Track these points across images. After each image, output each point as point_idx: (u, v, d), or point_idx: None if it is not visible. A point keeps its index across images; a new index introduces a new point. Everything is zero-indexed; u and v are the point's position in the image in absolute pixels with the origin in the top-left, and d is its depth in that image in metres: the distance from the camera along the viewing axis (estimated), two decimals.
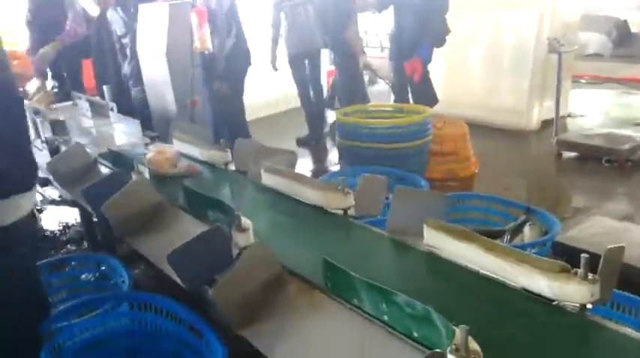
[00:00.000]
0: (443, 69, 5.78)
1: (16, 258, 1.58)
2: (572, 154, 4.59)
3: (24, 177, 1.58)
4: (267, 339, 1.35)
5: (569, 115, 5.78)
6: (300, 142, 5.38)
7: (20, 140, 1.57)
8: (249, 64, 4.26)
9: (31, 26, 4.23)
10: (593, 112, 6.01)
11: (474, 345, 1.07)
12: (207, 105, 3.50)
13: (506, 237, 2.68)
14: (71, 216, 3.84)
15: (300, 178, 1.98)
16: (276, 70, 5.25)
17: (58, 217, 3.94)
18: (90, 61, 4.38)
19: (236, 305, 1.41)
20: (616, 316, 1.68)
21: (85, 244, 3.48)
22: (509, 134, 5.26)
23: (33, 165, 1.64)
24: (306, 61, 5.10)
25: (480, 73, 5.78)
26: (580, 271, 1.25)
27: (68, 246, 3.60)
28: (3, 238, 1.53)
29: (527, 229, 2.64)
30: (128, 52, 3.77)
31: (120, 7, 3.74)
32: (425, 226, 1.57)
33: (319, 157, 5.19)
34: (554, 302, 1.30)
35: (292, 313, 1.41)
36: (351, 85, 4.96)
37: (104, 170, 2.61)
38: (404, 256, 1.63)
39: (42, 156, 2.95)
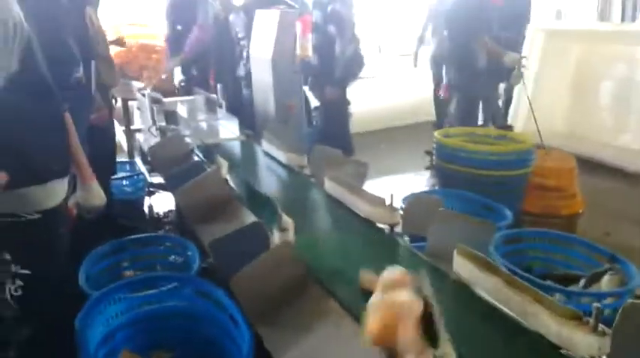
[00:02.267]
0: (569, 101, 5.51)
1: (55, 238, 1.70)
2: None
3: (61, 164, 1.70)
4: (276, 340, 1.40)
5: None
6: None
7: (59, 128, 1.68)
8: (361, 71, 4.40)
9: (168, 21, 4.64)
10: None
11: None
12: (303, 110, 3.64)
13: (582, 282, 2.52)
14: None
15: (355, 190, 2.02)
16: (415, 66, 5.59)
17: (165, 201, 4.27)
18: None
19: (253, 298, 1.49)
20: None
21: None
22: (629, 177, 4.86)
23: (68, 152, 1.77)
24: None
25: (607, 108, 5.41)
26: (591, 321, 1.18)
27: (167, 228, 3.91)
28: (45, 221, 1.62)
29: (606, 278, 2.46)
30: (245, 54, 4.03)
31: (243, 11, 4.01)
32: (455, 253, 1.55)
33: None
34: (562, 351, 1.23)
35: (304, 318, 1.45)
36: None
37: (196, 160, 2.82)
38: (429, 278, 1.61)
39: (155, 142, 3.26)
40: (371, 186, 4.62)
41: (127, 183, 4.12)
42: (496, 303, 1.41)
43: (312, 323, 1.42)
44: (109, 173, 3.53)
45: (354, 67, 4.25)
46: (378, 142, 6.06)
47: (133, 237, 3.08)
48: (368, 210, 1.92)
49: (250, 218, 2.04)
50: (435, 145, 3.94)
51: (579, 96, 5.49)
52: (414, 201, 1.91)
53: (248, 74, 3.90)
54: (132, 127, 4.60)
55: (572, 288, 2.50)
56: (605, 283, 2.45)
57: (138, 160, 4.01)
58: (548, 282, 2.57)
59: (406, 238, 2.06)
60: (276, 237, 1.72)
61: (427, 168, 4.85)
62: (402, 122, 6.59)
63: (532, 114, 4.64)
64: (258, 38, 3.51)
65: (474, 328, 1.40)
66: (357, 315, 1.37)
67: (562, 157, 4.03)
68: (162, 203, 4.24)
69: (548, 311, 1.25)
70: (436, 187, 4.04)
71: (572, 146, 5.11)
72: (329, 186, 2.19)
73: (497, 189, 3.57)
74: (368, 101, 6.17)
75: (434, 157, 3.97)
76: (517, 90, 5.72)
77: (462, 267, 1.52)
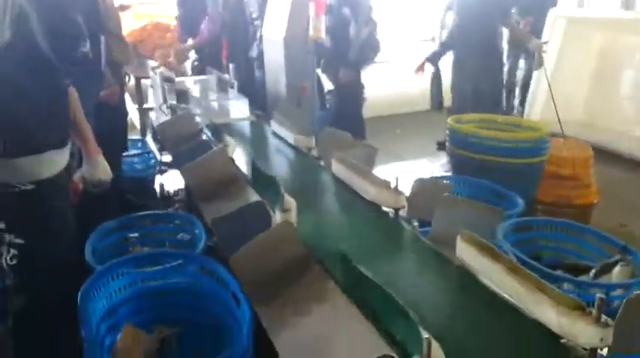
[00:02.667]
0: (588, 89, 5.40)
1: (50, 210, 1.68)
2: None
3: (59, 134, 1.68)
4: (272, 319, 1.39)
5: None
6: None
7: (56, 99, 1.66)
8: (376, 55, 4.35)
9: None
10: None
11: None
12: (316, 92, 3.61)
13: (592, 273, 2.48)
14: None
15: (361, 172, 1.99)
16: None
17: (175, 179, 4.27)
18: None
19: (252, 276, 1.48)
20: None
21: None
22: None
23: (67, 123, 1.75)
24: None
25: (628, 98, 5.30)
26: (594, 312, 1.15)
27: (177, 206, 3.91)
28: (36, 192, 1.61)
29: (617, 269, 2.42)
30: (258, 34, 3.99)
31: None
32: (458, 238, 1.52)
33: None
34: (563, 340, 1.20)
35: (301, 298, 1.43)
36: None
37: (204, 139, 2.80)
38: (431, 264, 1.59)
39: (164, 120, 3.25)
40: (383, 171, 4.58)
41: (138, 160, 4.13)
42: (498, 290, 1.37)
43: (309, 304, 1.41)
44: (120, 150, 3.54)
45: (368, 50, 4.20)
46: (393, 127, 6.00)
47: (141, 213, 3.09)
48: (373, 193, 1.89)
49: (254, 197, 2.02)
50: (447, 131, 3.89)
51: (599, 85, 5.38)
52: (419, 185, 1.87)
53: (261, 55, 3.86)
54: (145, 106, 4.59)
55: (582, 279, 2.45)
56: (616, 274, 2.41)
57: (149, 138, 4.01)
58: (558, 272, 2.53)
59: (415, 223, 2.03)
60: (277, 217, 1.70)
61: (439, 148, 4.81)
62: (419, 107, 6.50)
63: (552, 102, 4.55)
64: (272, 19, 3.47)
65: (476, 315, 1.37)
66: (354, 297, 1.36)
67: (578, 146, 3.96)
68: (172, 181, 4.24)
69: (550, 300, 1.21)
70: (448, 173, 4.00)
71: (590, 135, 5.02)
72: (336, 168, 2.17)
73: (511, 177, 3.51)
74: (384, 86, 6.10)
75: (447, 143, 3.92)
76: (535, 77, 5.62)
77: (465, 253, 1.49)
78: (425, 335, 1.03)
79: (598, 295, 1.14)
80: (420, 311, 1.32)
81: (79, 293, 1.84)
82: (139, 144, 4.38)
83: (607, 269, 2.46)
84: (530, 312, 1.27)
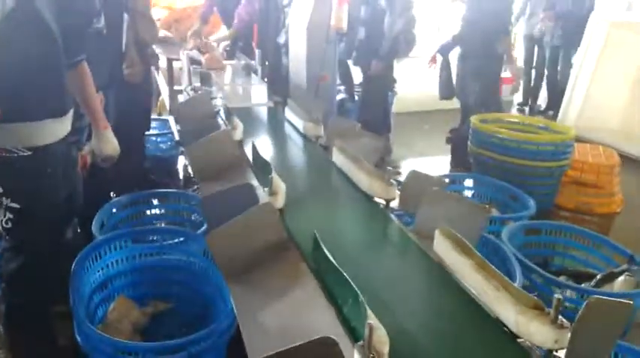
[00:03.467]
0: (627, 98, 5.22)
1: (46, 177, 1.73)
2: None
3: (59, 103, 1.74)
4: (243, 299, 1.39)
5: None
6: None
7: (56, 70, 1.70)
8: (410, 50, 4.33)
9: None
10: None
11: (381, 347, 1.04)
12: (336, 81, 3.61)
13: (595, 281, 2.43)
14: None
15: (358, 162, 1.99)
16: None
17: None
18: None
19: (229, 256, 1.50)
20: None
21: None
22: None
23: (67, 94, 1.80)
24: None
25: None
26: (551, 312, 1.13)
27: (196, 187, 3.98)
28: (35, 158, 1.67)
29: (621, 279, 2.36)
30: (287, 21, 4.01)
31: None
32: (437, 232, 1.51)
33: None
34: (520, 340, 1.19)
35: (273, 280, 1.44)
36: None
37: (214, 121, 2.84)
38: (408, 255, 1.58)
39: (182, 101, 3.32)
40: (404, 165, 4.58)
41: (162, 140, 4.22)
42: (467, 286, 1.36)
43: (279, 286, 1.42)
44: (143, 129, 3.63)
45: (402, 43, 4.18)
46: (421, 123, 5.96)
47: (157, 191, 3.17)
48: (365, 183, 1.89)
49: (250, 180, 2.05)
50: (470, 130, 3.85)
51: (638, 93, 5.20)
52: (412, 178, 1.86)
53: (288, 42, 3.88)
54: (175, 87, 4.68)
55: (584, 286, 2.41)
56: (619, 284, 2.36)
57: (171, 119, 4.08)
58: (562, 278, 2.49)
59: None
60: (264, 200, 1.72)
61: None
62: (451, 105, 6.41)
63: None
64: (298, 7, 3.48)
65: (440, 309, 1.37)
66: (322, 281, 1.37)
67: (605, 154, 3.86)
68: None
69: (511, 298, 1.20)
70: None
71: (625, 145, 4.88)
72: (336, 156, 2.17)
73: (530, 179, 3.47)
74: (416, 82, 6.05)
75: (469, 143, 3.88)
76: (572, 81, 5.49)
77: (441, 248, 1.48)
78: (369, 320, 1.03)
79: (556, 296, 1.12)
80: (385, 299, 1.33)
81: (74, 263, 1.91)
82: (167, 125, 4.48)
83: (611, 278, 2.41)
84: (492, 310, 1.26)
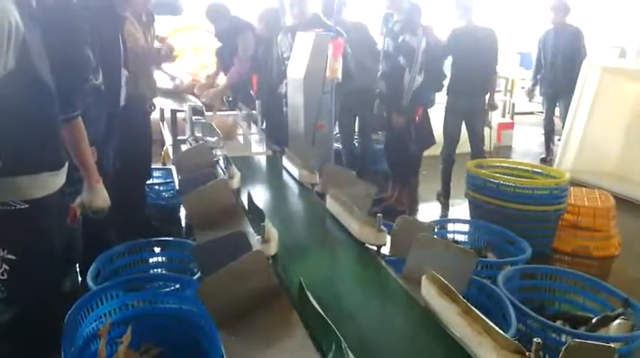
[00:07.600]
0: (622, 142, 5.29)
1: (39, 232, 1.76)
2: None
3: (55, 157, 1.78)
4: (234, 348, 1.42)
5: None
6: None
7: (53, 125, 1.76)
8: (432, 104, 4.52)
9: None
10: None
11: None
12: (333, 130, 3.70)
13: (590, 325, 2.43)
14: None
15: (350, 209, 2.04)
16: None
17: None
18: None
19: (220, 303, 1.53)
20: None
21: None
22: None
23: (63, 148, 1.85)
24: None
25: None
26: (532, 355, 1.15)
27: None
28: (29, 211, 1.69)
29: (616, 323, 2.36)
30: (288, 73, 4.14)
31: (290, 32, 4.13)
32: (424, 278, 1.54)
33: None
34: None
35: (265, 330, 1.46)
36: None
37: (211, 170, 2.90)
38: (396, 300, 1.61)
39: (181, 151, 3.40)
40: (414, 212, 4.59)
41: (164, 188, 4.29)
42: (452, 331, 1.39)
43: (271, 336, 1.45)
44: (143, 178, 3.70)
45: (422, 97, 4.29)
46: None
47: (155, 239, 3.21)
48: (356, 230, 1.94)
49: (246, 228, 2.09)
50: (466, 175, 3.91)
51: (633, 137, 5.27)
52: (402, 224, 1.90)
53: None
54: (178, 137, 4.78)
55: (580, 331, 2.41)
56: (615, 328, 2.36)
57: (173, 168, 4.16)
58: (558, 322, 2.49)
59: None
60: (257, 248, 1.76)
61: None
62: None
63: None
64: (296, 58, 3.61)
65: (429, 355, 1.39)
66: (309, 328, 1.39)
67: (600, 197, 3.90)
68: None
69: (493, 342, 1.22)
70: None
71: (622, 188, 4.92)
72: (329, 203, 2.22)
73: (527, 224, 3.50)
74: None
75: (466, 188, 3.93)
76: (568, 125, 5.57)
77: (428, 293, 1.51)
78: None
79: (535, 340, 1.15)
80: (371, 345, 1.35)
81: (68, 315, 1.92)
82: (171, 174, 4.56)
83: (606, 321, 2.42)
84: (475, 354, 1.28)
